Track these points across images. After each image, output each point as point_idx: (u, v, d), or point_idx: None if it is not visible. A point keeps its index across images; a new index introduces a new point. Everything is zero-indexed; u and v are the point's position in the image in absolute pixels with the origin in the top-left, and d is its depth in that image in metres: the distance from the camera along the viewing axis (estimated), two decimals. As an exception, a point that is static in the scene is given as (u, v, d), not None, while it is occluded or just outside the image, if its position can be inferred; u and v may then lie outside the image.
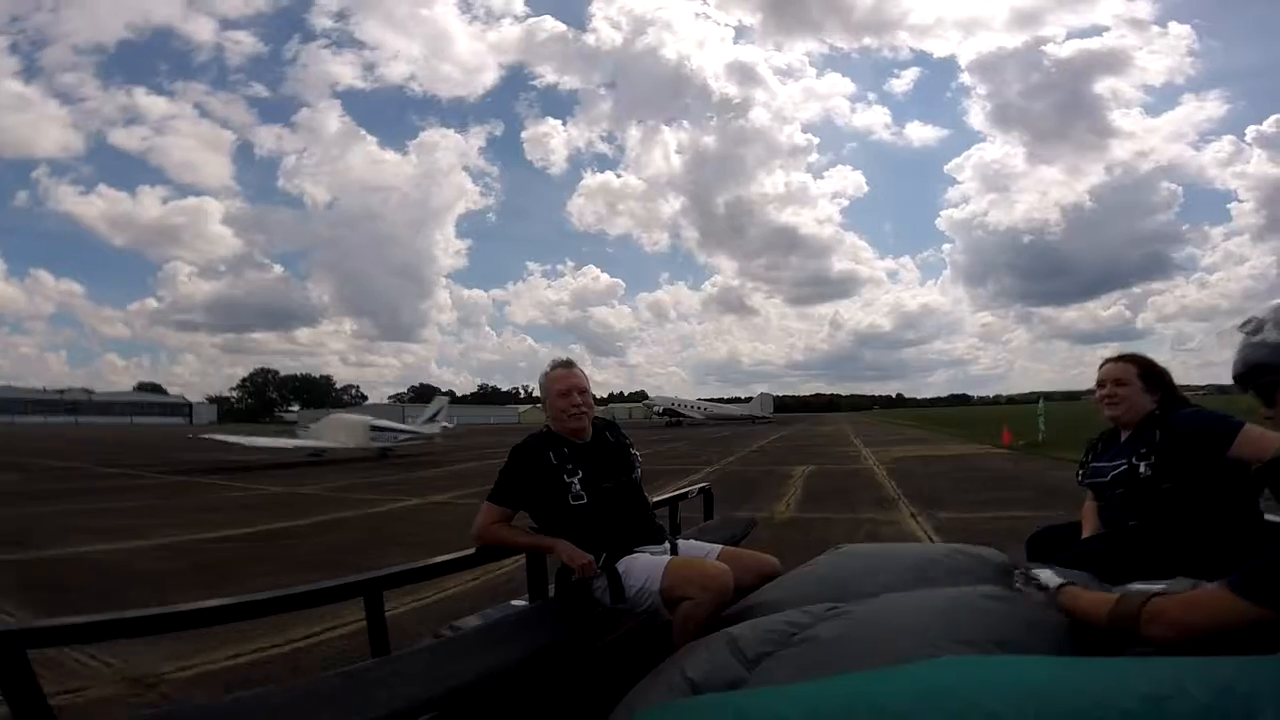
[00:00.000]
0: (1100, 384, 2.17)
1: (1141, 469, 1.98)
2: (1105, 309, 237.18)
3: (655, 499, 2.54)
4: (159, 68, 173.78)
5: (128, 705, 3.11)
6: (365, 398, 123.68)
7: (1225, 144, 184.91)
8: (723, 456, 18.44)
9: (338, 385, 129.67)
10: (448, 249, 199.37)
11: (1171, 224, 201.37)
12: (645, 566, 2.01)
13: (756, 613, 1.57)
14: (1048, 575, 1.38)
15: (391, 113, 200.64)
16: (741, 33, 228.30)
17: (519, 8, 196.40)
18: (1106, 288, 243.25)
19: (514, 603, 2.17)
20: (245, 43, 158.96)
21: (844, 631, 1.24)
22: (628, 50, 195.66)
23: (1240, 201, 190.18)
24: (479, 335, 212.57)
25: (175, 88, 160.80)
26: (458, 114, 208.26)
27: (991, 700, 0.61)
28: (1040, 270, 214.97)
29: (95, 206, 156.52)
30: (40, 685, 1.16)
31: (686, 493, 3.15)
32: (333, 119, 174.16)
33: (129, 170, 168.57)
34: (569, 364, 2.31)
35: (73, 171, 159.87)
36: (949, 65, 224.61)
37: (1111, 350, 2.26)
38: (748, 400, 76.04)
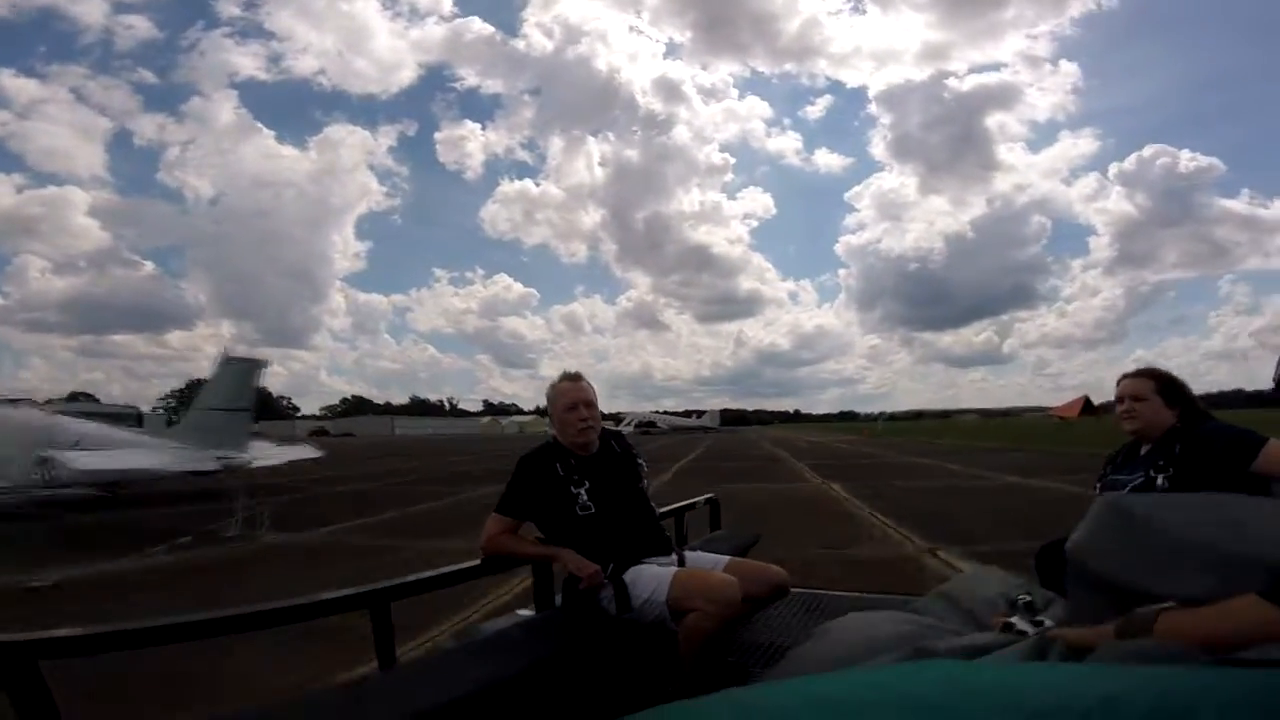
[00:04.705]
0: (1119, 399, 2.15)
1: (1159, 481, 1.96)
2: (977, 335, 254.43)
3: (661, 510, 2.54)
4: (36, 49, 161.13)
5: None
6: (298, 409, 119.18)
7: (1091, 180, 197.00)
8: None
9: (273, 396, 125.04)
10: (346, 250, 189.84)
11: (1039, 255, 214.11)
12: (652, 577, 2.01)
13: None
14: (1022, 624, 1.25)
15: (294, 107, 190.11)
16: (672, 49, 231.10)
17: (446, 7, 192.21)
18: (980, 315, 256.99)
19: (520, 612, 2.16)
20: (139, 27, 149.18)
21: None
22: (558, 58, 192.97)
23: (1098, 235, 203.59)
24: (376, 342, 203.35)
25: (50, 70, 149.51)
26: (368, 112, 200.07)
27: (966, 701, 0.63)
28: (923, 297, 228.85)
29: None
30: (52, 696, 1.15)
31: (694, 503, 3.13)
32: (227, 110, 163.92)
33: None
34: (577, 377, 2.30)
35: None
36: (859, 95, 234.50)
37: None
38: (701, 414, 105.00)
